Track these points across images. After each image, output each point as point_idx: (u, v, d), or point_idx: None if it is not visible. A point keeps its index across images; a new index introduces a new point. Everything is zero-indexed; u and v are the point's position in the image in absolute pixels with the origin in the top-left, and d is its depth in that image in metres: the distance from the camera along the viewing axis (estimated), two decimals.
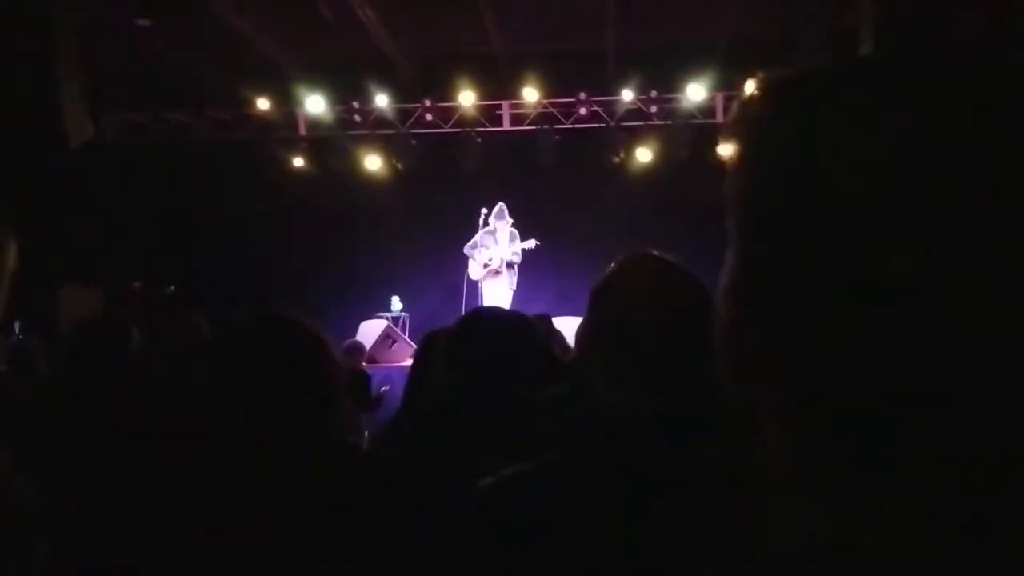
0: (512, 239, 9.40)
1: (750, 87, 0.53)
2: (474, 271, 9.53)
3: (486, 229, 9.47)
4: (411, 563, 1.36)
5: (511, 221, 9.43)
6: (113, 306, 8.82)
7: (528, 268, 9.73)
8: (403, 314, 9.80)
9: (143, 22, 8.50)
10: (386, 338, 7.92)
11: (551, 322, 4.66)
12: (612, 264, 1.19)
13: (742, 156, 0.51)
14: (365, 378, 5.96)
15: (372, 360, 7.68)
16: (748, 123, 0.51)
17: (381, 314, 9.47)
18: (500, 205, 9.43)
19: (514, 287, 9.47)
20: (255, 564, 1.32)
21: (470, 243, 9.54)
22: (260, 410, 1.40)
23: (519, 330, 1.78)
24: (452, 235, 9.72)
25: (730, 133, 0.51)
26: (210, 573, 1.32)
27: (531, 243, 9.36)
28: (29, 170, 8.42)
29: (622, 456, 1.01)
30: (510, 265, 9.41)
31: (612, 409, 1.09)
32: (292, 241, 10.32)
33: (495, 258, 9.37)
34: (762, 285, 0.48)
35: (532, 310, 5.38)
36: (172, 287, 9.31)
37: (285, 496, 1.36)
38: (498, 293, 9.39)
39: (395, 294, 9.91)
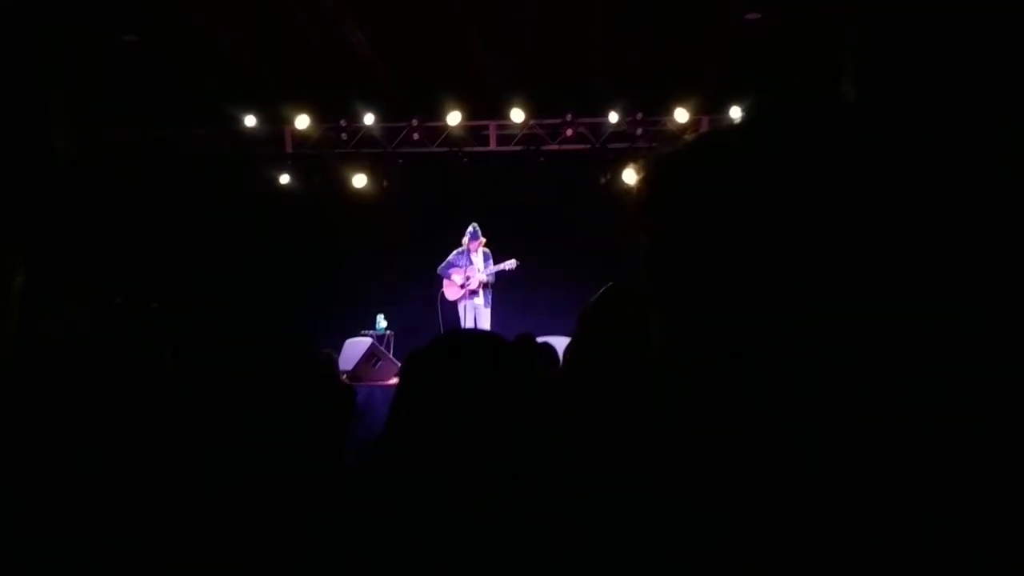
0: (486, 259, 9.44)
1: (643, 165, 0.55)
2: (450, 292, 9.56)
3: (459, 250, 9.51)
4: None
5: (484, 240, 9.47)
6: (95, 322, 8.75)
7: (513, 288, 9.75)
8: (388, 332, 9.78)
9: (131, 38, 8.49)
10: (371, 356, 7.89)
11: (535, 342, 4.66)
12: (601, 290, 1.20)
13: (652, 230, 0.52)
14: (351, 392, 5.93)
15: (356, 378, 7.65)
16: (643, 202, 0.53)
17: (366, 332, 9.45)
18: (473, 225, 9.47)
19: (490, 306, 9.50)
20: None
21: (443, 264, 9.58)
22: (253, 431, 1.39)
23: (491, 351, 1.77)
24: (438, 254, 9.73)
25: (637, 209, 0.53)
26: None
27: (512, 263, 9.38)
28: (13, 185, 8.38)
29: (603, 487, 1.02)
30: (485, 285, 9.44)
31: (593, 439, 1.10)
32: (277, 258, 10.30)
33: (472, 278, 9.40)
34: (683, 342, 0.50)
35: (516, 330, 5.38)
36: (155, 303, 9.25)
37: (274, 515, 1.36)
38: (477, 313, 9.41)
39: (380, 312, 9.90)
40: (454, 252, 9.55)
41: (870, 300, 0.42)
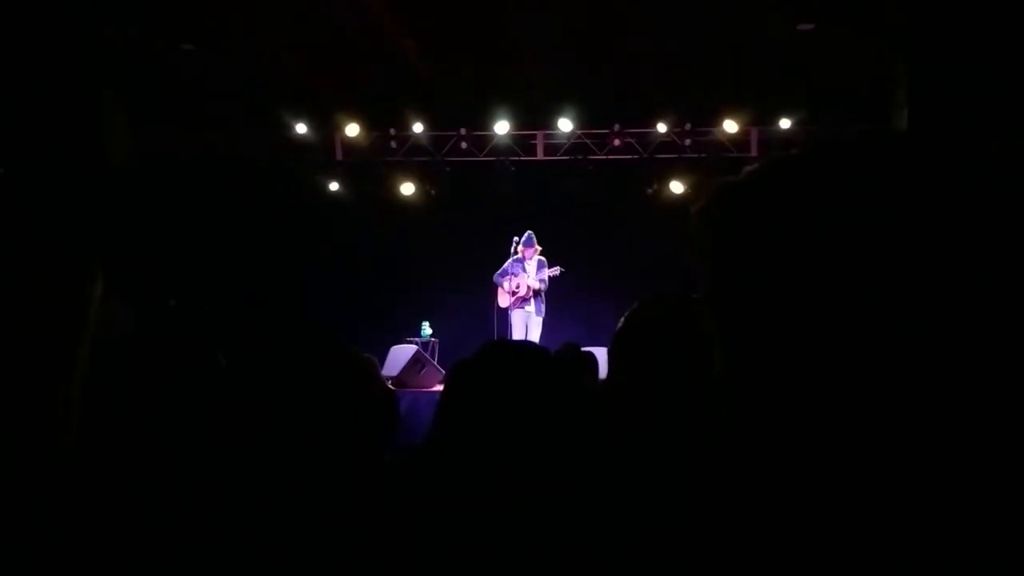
0: (540, 267, 9.43)
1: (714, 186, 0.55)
2: (502, 299, 9.56)
3: (514, 257, 9.51)
4: None
5: (539, 248, 9.47)
6: (148, 324, 8.93)
7: (559, 297, 9.73)
8: (433, 339, 9.83)
9: (188, 47, 8.67)
10: (415, 363, 7.93)
11: (580, 351, 4.66)
12: (634, 303, 1.22)
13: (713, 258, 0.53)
14: (393, 396, 5.97)
15: (401, 384, 7.70)
16: (705, 229, 0.53)
17: (411, 339, 9.51)
18: (528, 233, 9.47)
19: (542, 314, 9.47)
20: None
21: (499, 271, 9.59)
22: (300, 427, 1.42)
23: (535, 362, 1.78)
24: (483, 262, 9.77)
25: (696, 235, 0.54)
26: None
27: (556, 270, 9.37)
28: (68, 188, 8.58)
29: (643, 496, 1.03)
30: (536, 292, 9.43)
31: (637, 446, 1.11)
32: (325, 264, 10.42)
33: (522, 285, 9.40)
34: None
35: (561, 339, 5.38)
36: (207, 306, 9.42)
37: (315, 510, 1.38)
38: (529, 321, 9.40)
39: (426, 319, 9.96)
40: (510, 260, 9.55)
41: (938, 337, 0.42)
